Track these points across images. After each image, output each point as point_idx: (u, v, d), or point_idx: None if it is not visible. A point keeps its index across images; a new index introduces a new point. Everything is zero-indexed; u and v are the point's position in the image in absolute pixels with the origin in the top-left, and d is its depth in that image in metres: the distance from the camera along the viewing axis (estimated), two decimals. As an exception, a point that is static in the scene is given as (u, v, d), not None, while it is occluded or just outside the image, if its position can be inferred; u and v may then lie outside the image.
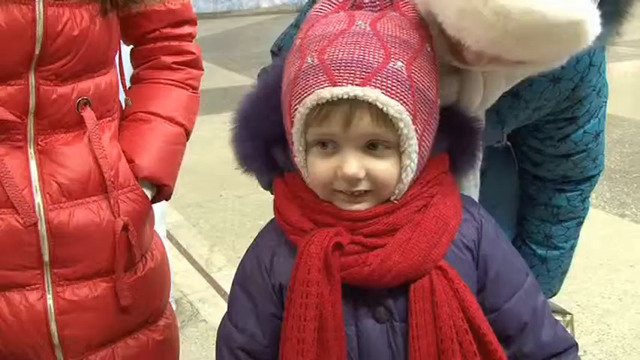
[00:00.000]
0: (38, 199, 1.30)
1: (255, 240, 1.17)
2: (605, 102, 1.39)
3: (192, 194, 4.24)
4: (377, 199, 1.03)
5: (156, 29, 1.49)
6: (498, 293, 1.10)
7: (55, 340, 1.35)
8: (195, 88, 1.57)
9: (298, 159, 1.04)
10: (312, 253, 1.01)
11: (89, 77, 1.35)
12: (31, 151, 1.31)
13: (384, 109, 0.95)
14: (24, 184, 1.29)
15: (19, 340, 1.33)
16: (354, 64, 0.96)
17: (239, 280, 1.16)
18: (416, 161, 1.01)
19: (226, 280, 3.24)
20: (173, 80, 1.52)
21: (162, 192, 1.49)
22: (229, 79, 7.96)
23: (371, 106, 0.96)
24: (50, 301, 1.33)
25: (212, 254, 3.54)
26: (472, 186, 1.25)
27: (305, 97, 0.98)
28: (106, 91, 1.39)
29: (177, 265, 3.25)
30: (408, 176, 1.02)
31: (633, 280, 3.19)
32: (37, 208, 1.30)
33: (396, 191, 1.03)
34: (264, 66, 1.44)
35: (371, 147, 0.99)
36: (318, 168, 1.02)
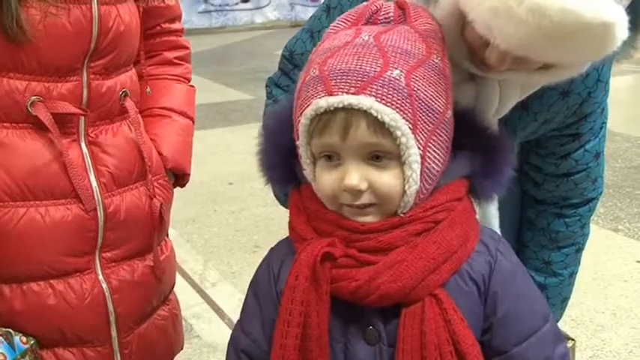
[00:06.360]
0: (96, 188, 1.40)
1: (270, 249, 1.19)
2: (606, 123, 1.40)
3: (185, 209, 4.23)
4: (382, 213, 1.02)
5: (157, 24, 1.61)
6: (506, 335, 1.05)
7: (112, 317, 1.45)
8: (189, 81, 1.71)
9: (307, 172, 1.05)
10: (302, 261, 1.02)
11: (125, 71, 1.47)
12: (83, 143, 1.40)
13: (379, 117, 0.95)
14: (83, 175, 1.39)
15: (83, 323, 1.43)
16: (350, 74, 0.96)
17: (251, 285, 1.18)
18: (418, 172, 0.99)
19: (220, 295, 3.22)
20: (175, 75, 1.66)
21: (181, 180, 1.65)
22: (223, 94, 7.98)
23: (367, 115, 0.95)
24: (104, 284, 1.44)
25: (206, 270, 3.53)
26: (493, 215, 1.24)
27: (305, 108, 0.99)
28: (135, 84, 1.52)
29: (170, 281, 3.24)
30: (412, 188, 0.99)
31: (627, 295, 3.20)
32: (96, 197, 1.40)
33: (402, 204, 1.01)
34: (270, 76, 1.46)
35: (374, 158, 0.99)
36: (324, 181, 1.02)
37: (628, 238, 3.83)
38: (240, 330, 1.16)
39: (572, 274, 1.52)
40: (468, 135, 1.06)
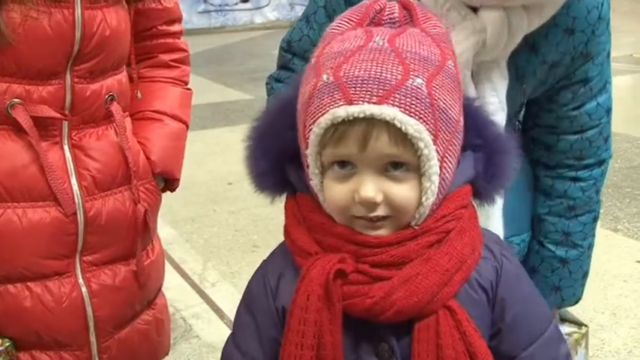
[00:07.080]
0: (77, 191, 1.40)
1: (263, 261, 1.14)
2: (611, 77, 1.43)
3: (185, 209, 4.24)
4: (396, 225, 0.98)
5: (153, 27, 1.60)
6: (515, 340, 1.04)
7: (91, 322, 1.45)
8: (187, 84, 1.69)
9: (314, 182, 0.99)
10: (312, 279, 0.97)
11: (113, 74, 1.46)
12: (66, 146, 1.40)
13: (403, 128, 0.91)
14: (64, 178, 1.38)
15: (61, 326, 1.42)
16: (370, 82, 0.91)
17: (245, 301, 1.12)
18: (437, 184, 0.96)
19: (220, 295, 3.23)
20: (171, 78, 1.64)
21: (170, 184, 1.63)
22: (222, 94, 7.98)
23: (389, 125, 0.91)
24: (84, 287, 1.43)
25: (205, 270, 3.53)
26: (496, 209, 1.23)
27: (319, 116, 0.94)
28: (124, 87, 1.51)
29: (170, 281, 3.23)
30: (429, 199, 0.96)
31: (627, 294, 3.20)
32: (76, 200, 1.39)
33: (417, 216, 0.98)
34: (270, 74, 1.45)
35: (390, 169, 0.95)
36: (334, 192, 0.97)
37: (627, 238, 3.83)
38: (234, 348, 1.11)
39: (590, 246, 1.52)
40: (469, 135, 1.03)
